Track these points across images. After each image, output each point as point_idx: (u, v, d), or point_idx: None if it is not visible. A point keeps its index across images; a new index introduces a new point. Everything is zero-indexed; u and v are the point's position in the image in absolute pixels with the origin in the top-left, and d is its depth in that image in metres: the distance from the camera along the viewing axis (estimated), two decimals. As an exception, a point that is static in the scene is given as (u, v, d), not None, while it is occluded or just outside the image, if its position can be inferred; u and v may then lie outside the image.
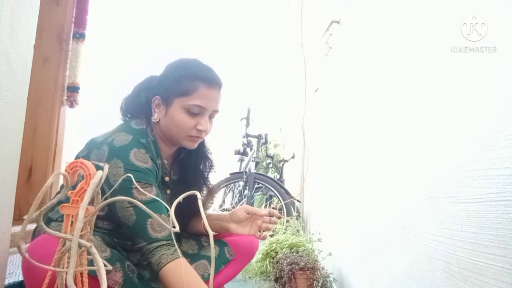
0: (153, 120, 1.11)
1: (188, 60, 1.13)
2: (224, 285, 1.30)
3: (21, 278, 1.22)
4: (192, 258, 1.23)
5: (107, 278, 0.95)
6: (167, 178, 1.16)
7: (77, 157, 1.05)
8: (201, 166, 1.25)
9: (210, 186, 1.27)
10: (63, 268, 0.61)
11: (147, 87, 1.15)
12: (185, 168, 1.22)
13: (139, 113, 1.14)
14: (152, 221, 0.96)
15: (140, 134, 1.07)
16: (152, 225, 0.97)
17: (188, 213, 1.25)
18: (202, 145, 1.23)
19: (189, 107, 1.06)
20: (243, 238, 1.31)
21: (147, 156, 1.02)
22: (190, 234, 1.31)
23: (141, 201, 0.93)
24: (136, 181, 0.92)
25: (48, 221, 1.03)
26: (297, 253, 1.53)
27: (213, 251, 0.66)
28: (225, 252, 1.25)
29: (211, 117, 1.12)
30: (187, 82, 1.06)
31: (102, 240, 0.99)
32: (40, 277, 0.77)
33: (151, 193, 0.98)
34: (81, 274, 0.64)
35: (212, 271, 0.64)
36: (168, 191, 1.18)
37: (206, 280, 1.16)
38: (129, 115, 1.17)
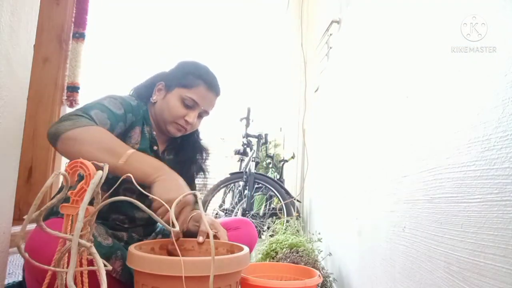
0: (151, 100, 1.21)
1: (200, 63, 1.25)
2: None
3: (20, 278, 1.21)
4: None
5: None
6: (155, 147, 1.22)
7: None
8: (197, 155, 1.33)
9: (206, 171, 1.36)
10: (63, 268, 0.61)
11: (157, 76, 1.26)
12: (182, 149, 1.30)
13: (141, 94, 1.24)
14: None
15: (130, 99, 1.16)
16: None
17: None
18: (196, 137, 1.34)
19: (185, 98, 1.16)
20: (239, 232, 1.32)
21: (120, 105, 1.09)
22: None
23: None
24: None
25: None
26: (297, 253, 1.53)
27: (213, 251, 0.66)
28: None
29: (200, 116, 1.23)
30: (191, 78, 1.18)
31: (105, 229, 1.02)
32: (45, 254, 0.76)
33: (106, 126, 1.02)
34: (81, 274, 0.64)
35: (212, 271, 0.64)
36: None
37: None
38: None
